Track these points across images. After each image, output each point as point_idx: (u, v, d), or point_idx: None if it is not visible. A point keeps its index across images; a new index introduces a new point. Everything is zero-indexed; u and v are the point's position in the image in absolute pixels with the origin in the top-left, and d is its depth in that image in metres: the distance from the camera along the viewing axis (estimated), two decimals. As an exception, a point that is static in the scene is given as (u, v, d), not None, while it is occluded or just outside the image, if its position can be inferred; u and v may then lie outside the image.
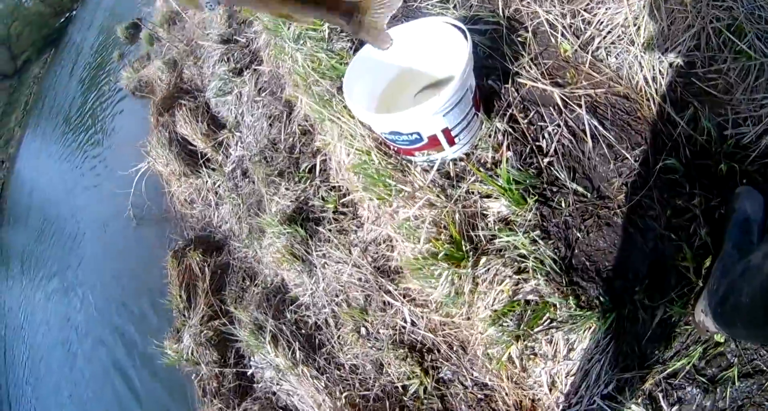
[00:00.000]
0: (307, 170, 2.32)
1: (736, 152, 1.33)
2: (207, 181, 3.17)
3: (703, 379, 1.18)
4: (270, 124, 2.70)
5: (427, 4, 1.91)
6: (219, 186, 3.07)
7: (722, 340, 1.18)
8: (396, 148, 1.61)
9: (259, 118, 2.84)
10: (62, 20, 14.13)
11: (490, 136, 1.53)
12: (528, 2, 1.68)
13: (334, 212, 2.12)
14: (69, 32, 12.79)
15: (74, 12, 13.56)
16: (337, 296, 1.89)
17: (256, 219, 2.50)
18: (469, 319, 1.45)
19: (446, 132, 1.46)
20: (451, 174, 1.54)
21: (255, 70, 3.04)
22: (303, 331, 2.08)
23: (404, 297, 1.68)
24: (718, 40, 1.38)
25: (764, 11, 1.34)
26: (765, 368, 1.14)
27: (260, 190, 2.50)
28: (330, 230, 2.04)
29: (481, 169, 1.48)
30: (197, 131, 3.35)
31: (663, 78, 1.44)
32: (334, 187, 2.18)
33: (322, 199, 2.16)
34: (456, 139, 1.51)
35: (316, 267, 1.99)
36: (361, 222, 2.00)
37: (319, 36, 2.18)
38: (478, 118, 1.55)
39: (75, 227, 5.48)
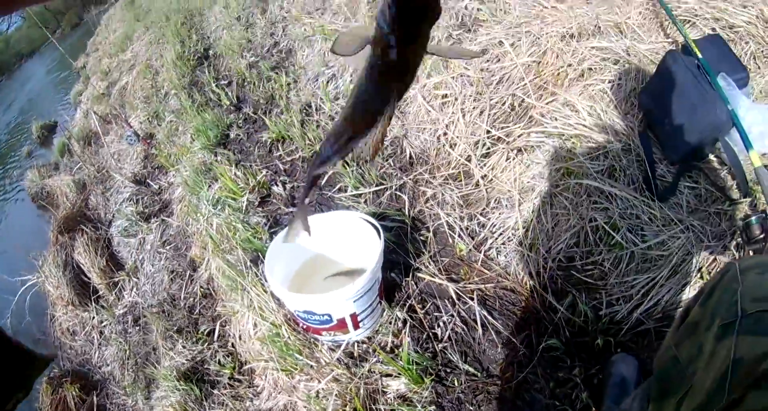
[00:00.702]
0: (205, 333, 2.34)
1: (610, 328, 1.59)
2: (94, 318, 3.04)
3: None
4: (171, 279, 2.73)
5: (341, 196, 2.17)
6: (105, 326, 2.95)
7: None
8: (305, 326, 1.73)
9: (160, 270, 2.86)
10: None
11: (390, 323, 1.71)
12: (431, 205, 1.98)
13: (230, 378, 2.12)
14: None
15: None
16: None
17: (145, 369, 2.42)
18: None
19: (353, 316, 1.63)
20: (355, 354, 1.68)
21: (163, 220, 3.11)
22: None
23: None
24: (595, 237, 1.71)
25: (635, 209, 1.69)
26: None
27: (155, 341, 2.46)
28: (225, 395, 2.03)
29: (382, 351, 1.63)
30: (95, 265, 3.26)
31: (545, 272, 1.72)
32: (231, 353, 2.21)
33: (219, 363, 2.17)
34: (360, 324, 1.67)
35: (210, 431, 1.95)
36: (257, 391, 2.02)
37: (238, 206, 2.35)
38: (381, 306, 1.74)
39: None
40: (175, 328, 2.39)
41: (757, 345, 0.73)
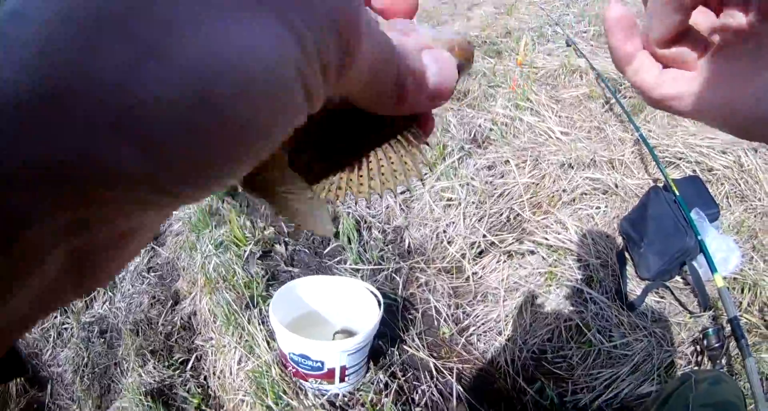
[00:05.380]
0: (179, 361, 2.40)
1: None
2: (56, 317, 3.01)
3: None
4: (151, 304, 2.79)
5: (341, 267, 2.36)
6: (66, 329, 2.93)
7: None
8: (293, 370, 1.86)
9: (141, 293, 2.91)
10: None
11: (372, 383, 1.86)
12: (423, 290, 2.19)
13: (197, 408, 2.19)
14: None
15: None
16: None
17: (102, 380, 2.44)
18: None
19: (343, 369, 1.77)
20: (337, 404, 1.81)
21: (153, 248, 3.19)
22: None
23: None
24: (567, 334, 1.95)
25: (605, 312, 1.95)
26: None
27: (124, 355, 2.49)
28: (190, 426, 2.10)
29: (364, 405, 1.77)
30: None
31: (519, 361, 1.92)
32: (202, 385, 2.29)
33: (189, 391, 2.24)
34: (347, 378, 1.81)
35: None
36: (225, 430, 2.10)
37: (239, 253, 2.50)
38: (366, 366, 1.89)
39: None
40: (149, 348, 2.45)
41: None
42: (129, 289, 3.00)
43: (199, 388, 2.28)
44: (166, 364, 2.41)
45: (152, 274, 3.02)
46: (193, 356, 2.39)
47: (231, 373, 2.10)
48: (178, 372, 2.36)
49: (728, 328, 1.75)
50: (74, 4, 0.14)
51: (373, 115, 0.25)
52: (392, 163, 0.29)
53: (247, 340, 2.04)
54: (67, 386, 2.66)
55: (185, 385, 2.29)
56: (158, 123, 0.14)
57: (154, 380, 2.30)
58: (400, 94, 0.23)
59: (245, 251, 2.48)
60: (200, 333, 2.46)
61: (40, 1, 0.14)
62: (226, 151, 0.16)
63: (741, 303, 2.00)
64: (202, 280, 2.46)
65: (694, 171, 2.43)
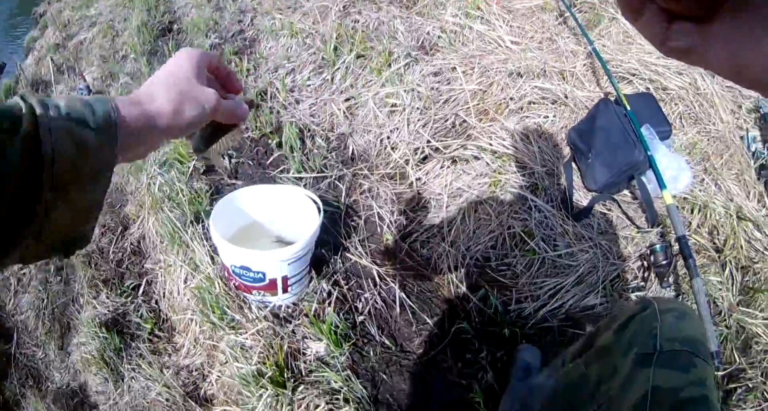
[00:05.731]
0: (131, 287, 2.38)
1: (517, 321, 1.81)
2: (16, 266, 2.97)
3: None
4: (102, 233, 2.74)
5: (284, 176, 2.31)
6: (25, 274, 2.90)
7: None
8: (237, 284, 1.85)
9: (91, 225, 2.85)
10: None
11: (316, 293, 1.86)
12: (366, 196, 2.17)
13: (150, 333, 2.19)
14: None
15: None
16: (139, 412, 1.91)
17: (62, 319, 2.43)
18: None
19: (285, 279, 1.76)
20: (280, 315, 1.81)
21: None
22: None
23: (212, 423, 1.79)
24: (512, 242, 1.94)
25: (550, 221, 1.95)
26: None
27: (78, 290, 2.47)
28: (144, 348, 2.10)
29: (306, 316, 1.77)
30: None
31: (463, 268, 1.93)
32: (154, 310, 2.28)
33: (141, 317, 2.23)
34: (290, 288, 1.81)
35: (124, 379, 2.00)
36: (176, 348, 2.10)
37: (183, 170, 2.44)
38: (309, 276, 1.88)
39: None
40: (102, 278, 2.43)
41: (672, 378, 0.92)
42: (79, 221, 2.93)
43: (151, 312, 2.27)
44: (119, 291, 2.39)
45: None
46: (144, 280, 2.37)
47: (179, 293, 2.08)
48: (130, 299, 2.35)
49: (676, 247, 1.77)
50: None
51: (226, 124, 0.68)
52: (232, 138, 0.71)
53: (191, 258, 2.01)
54: (31, 332, 2.65)
55: (138, 311, 2.28)
56: None
57: (108, 310, 2.29)
58: (235, 118, 0.67)
59: (189, 168, 2.43)
60: (149, 256, 2.43)
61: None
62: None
63: (690, 223, 1.98)
64: (149, 202, 2.41)
65: (648, 88, 2.39)
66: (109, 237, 2.70)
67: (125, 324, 2.26)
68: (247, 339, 1.72)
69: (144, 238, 2.54)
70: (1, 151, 0.42)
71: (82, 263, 2.56)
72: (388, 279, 1.90)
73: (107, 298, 2.34)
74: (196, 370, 2.00)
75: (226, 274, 1.88)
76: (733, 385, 1.61)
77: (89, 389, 2.16)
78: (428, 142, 2.23)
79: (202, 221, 2.16)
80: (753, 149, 2.28)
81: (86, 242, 0.54)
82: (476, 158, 2.16)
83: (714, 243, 1.96)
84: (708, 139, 2.26)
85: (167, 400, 1.87)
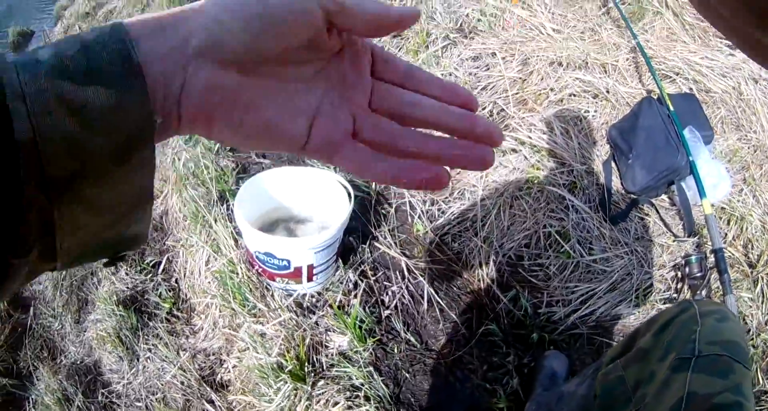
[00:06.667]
0: (151, 264, 2.35)
1: (546, 325, 1.73)
2: None
3: None
4: (123, 209, 2.71)
5: (314, 161, 2.24)
6: None
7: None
8: (260, 269, 1.79)
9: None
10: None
11: (341, 283, 1.80)
12: (398, 185, 2.08)
13: (168, 313, 2.15)
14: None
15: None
16: (154, 394, 1.87)
17: (79, 293, 2.40)
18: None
19: (310, 268, 1.70)
20: (304, 305, 1.76)
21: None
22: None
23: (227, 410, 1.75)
24: (546, 242, 1.86)
25: (587, 222, 1.86)
26: None
27: (97, 264, 2.44)
28: (161, 328, 2.06)
29: (332, 307, 1.71)
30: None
31: (494, 265, 1.85)
32: (174, 288, 2.24)
33: (160, 296, 2.19)
34: (315, 277, 1.74)
35: (139, 359, 1.97)
36: (194, 330, 2.06)
37: (210, 145, 2.38)
38: (336, 264, 1.82)
39: None
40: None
41: (709, 384, 0.85)
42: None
43: (170, 291, 2.23)
44: (139, 268, 2.35)
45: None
46: (165, 258, 2.33)
47: (200, 274, 2.04)
48: (150, 276, 2.31)
49: (712, 259, 1.68)
50: None
51: None
52: None
53: (214, 239, 1.96)
54: (48, 303, 2.63)
55: (157, 290, 2.24)
56: None
57: (127, 287, 2.25)
58: None
59: (215, 144, 2.37)
60: (171, 233, 2.38)
61: None
62: None
63: (726, 235, 1.90)
64: (173, 177, 2.36)
65: (691, 89, 2.28)
66: (131, 212, 2.66)
67: (143, 302, 2.22)
68: (268, 329, 1.67)
69: (167, 213, 2.50)
70: None
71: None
72: (416, 272, 1.83)
73: (126, 274, 2.31)
74: (213, 355, 1.96)
75: (250, 259, 1.82)
76: (758, 408, 1.54)
77: (103, 367, 2.13)
78: (465, 130, 2.14)
79: (227, 201, 2.10)
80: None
81: (139, 243, 0.36)
82: (514, 151, 2.07)
83: (748, 257, 1.87)
84: (748, 147, 2.15)
85: (182, 383, 1.83)
